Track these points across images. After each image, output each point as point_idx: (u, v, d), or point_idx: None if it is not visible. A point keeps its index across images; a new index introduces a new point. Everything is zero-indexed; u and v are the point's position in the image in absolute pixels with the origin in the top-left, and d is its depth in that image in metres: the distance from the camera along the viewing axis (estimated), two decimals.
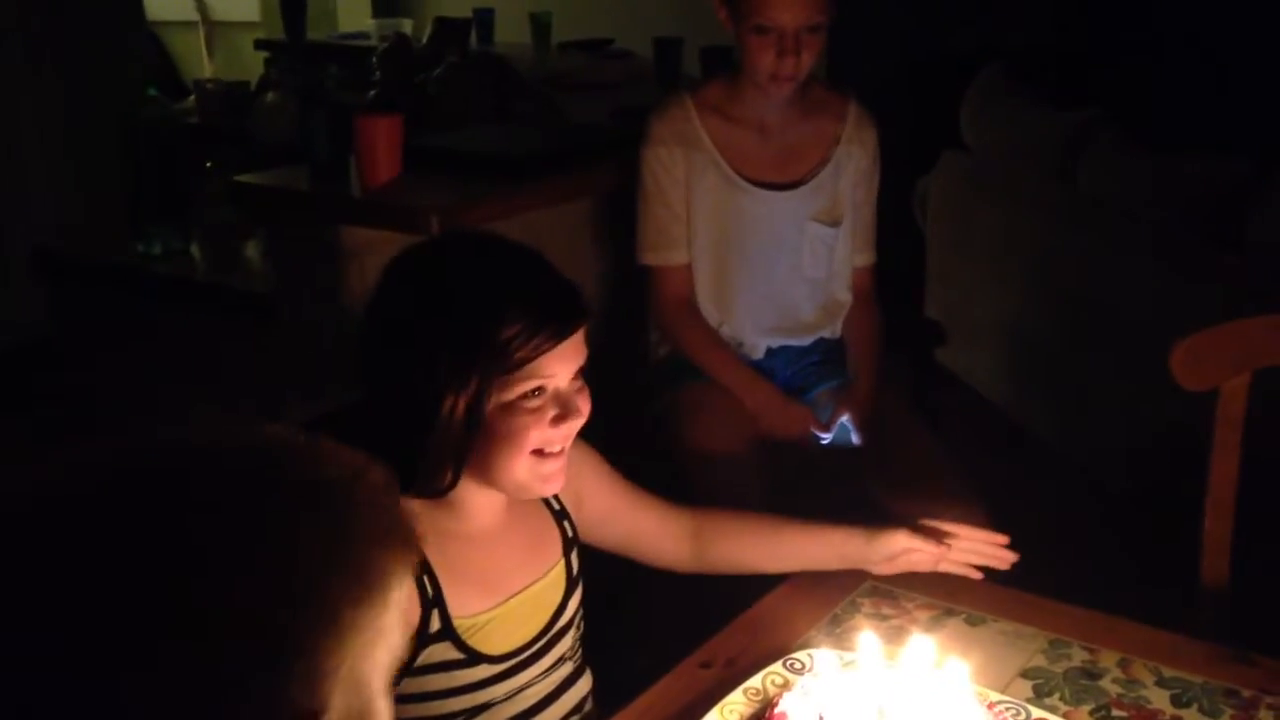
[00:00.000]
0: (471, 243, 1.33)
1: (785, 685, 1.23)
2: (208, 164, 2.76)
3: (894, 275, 2.90)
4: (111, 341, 2.57)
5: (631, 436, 2.12)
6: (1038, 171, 3.26)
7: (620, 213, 2.29)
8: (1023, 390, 3.23)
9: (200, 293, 2.55)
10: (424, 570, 1.26)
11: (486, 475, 1.28)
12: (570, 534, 1.42)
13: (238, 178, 2.27)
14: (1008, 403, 3.27)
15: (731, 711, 1.21)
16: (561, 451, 1.29)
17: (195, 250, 2.64)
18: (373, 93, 3.48)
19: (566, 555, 1.41)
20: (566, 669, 1.40)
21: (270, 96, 3.48)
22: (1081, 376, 2.98)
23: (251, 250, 2.61)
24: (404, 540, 0.72)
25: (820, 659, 1.24)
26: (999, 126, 3.50)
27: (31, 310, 2.70)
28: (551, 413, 1.26)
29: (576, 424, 1.28)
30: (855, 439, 2.09)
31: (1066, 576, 1.60)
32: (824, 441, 2.10)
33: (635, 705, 1.30)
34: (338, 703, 0.67)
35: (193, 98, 4.00)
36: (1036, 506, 2.41)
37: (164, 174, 2.93)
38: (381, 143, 2.11)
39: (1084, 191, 3.08)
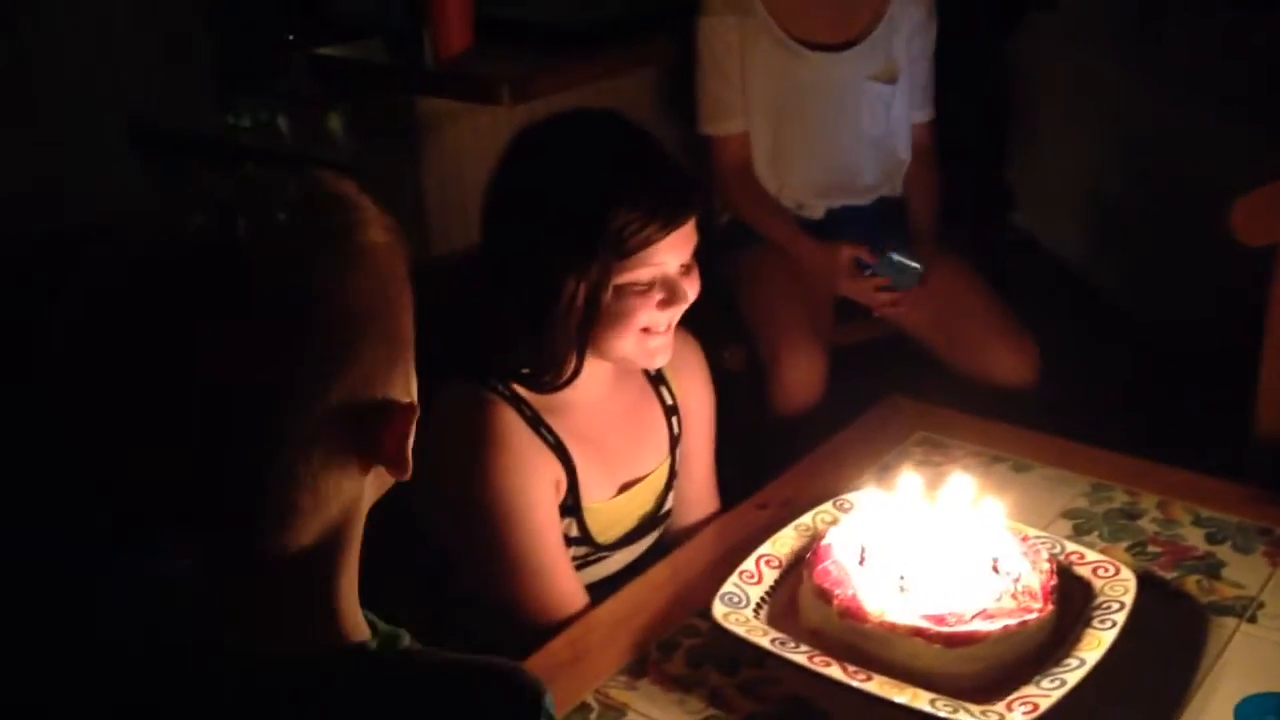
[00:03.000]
0: (589, 126, 1.36)
1: (833, 522, 1.31)
2: (289, 36, 2.82)
3: (974, 139, 2.89)
4: None
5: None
6: (1124, 33, 3.18)
7: (683, 81, 2.32)
8: (1097, 253, 3.21)
9: (288, 163, 2.64)
10: (560, 448, 1.35)
11: (594, 348, 1.34)
12: (677, 430, 1.48)
13: (317, 50, 2.34)
14: (1081, 265, 3.26)
15: (783, 544, 1.30)
16: (668, 328, 1.36)
17: (281, 122, 2.74)
18: None
19: (672, 452, 1.48)
20: (652, 543, 1.49)
21: None
22: (1155, 241, 2.96)
23: (334, 122, 2.70)
24: (405, 250, 0.79)
25: (865, 498, 1.32)
26: None
27: (130, 180, 2.82)
28: (659, 296, 1.32)
29: (683, 306, 1.34)
30: (913, 263, 2.10)
31: (1119, 432, 1.65)
32: (868, 271, 2.12)
33: (695, 541, 1.41)
34: (407, 391, 0.78)
35: None
36: (1099, 367, 2.44)
37: (249, 47, 3.01)
38: (453, 14, 2.16)
39: (1169, 53, 3.00)
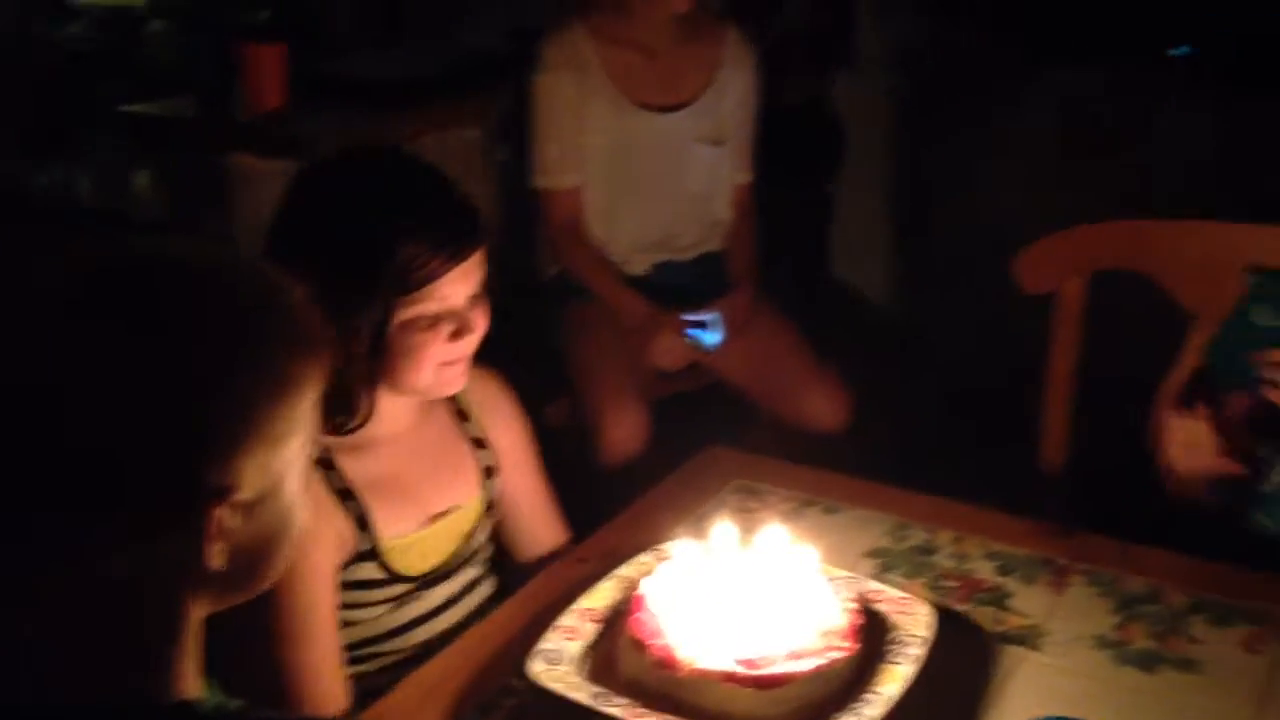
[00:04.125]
0: (369, 162, 1.37)
1: (649, 572, 1.34)
2: (97, 93, 2.74)
3: (793, 194, 3.03)
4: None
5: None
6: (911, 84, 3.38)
7: (512, 135, 2.36)
8: (907, 298, 3.38)
9: (93, 223, 2.56)
10: (348, 495, 1.35)
11: (390, 383, 1.35)
12: (487, 463, 1.49)
13: (125, 107, 2.29)
14: (894, 310, 3.42)
15: (602, 597, 1.32)
16: (461, 358, 1.37)
17: (85, 180, 2.65)
18: (264, 13, 3.45)
19: (485, 485, 1.49)
20: (473, 577, 1.51)
21: (156, 23, 3.44)
22: (957, 287, 3.14)
23: (143, 179, 2.62)
24: (315, 348, 0.83)
25: (680, 547, 1.36)
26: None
27: None
28: (448, 329, 1.33)
29: (474, 338, 1.36)
30: (715, 340, 2.19)
31: (923, 469, 1.74)
32: (690, 336, 2.20)
33: (517, 596, 1.42)
34: (248, 484, 0.78)
35: (79, 24, 3.91)
36: (908, 406, 2.57)
37: (53, 104, 2.91)
38: (267, 70, 2.15)
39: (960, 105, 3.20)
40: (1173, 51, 2.88)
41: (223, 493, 0.76)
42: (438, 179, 1.34)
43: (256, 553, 0.82)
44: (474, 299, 1.35)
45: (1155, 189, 2.68)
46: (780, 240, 2.55)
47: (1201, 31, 2.87)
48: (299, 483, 0.83)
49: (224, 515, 0.76)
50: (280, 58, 2.18)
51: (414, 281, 1.28)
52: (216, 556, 0.77)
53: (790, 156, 2.91)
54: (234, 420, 0.76)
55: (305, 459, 0.83)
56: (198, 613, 0.81)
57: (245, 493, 0.77)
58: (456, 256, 1.30)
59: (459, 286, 1.32)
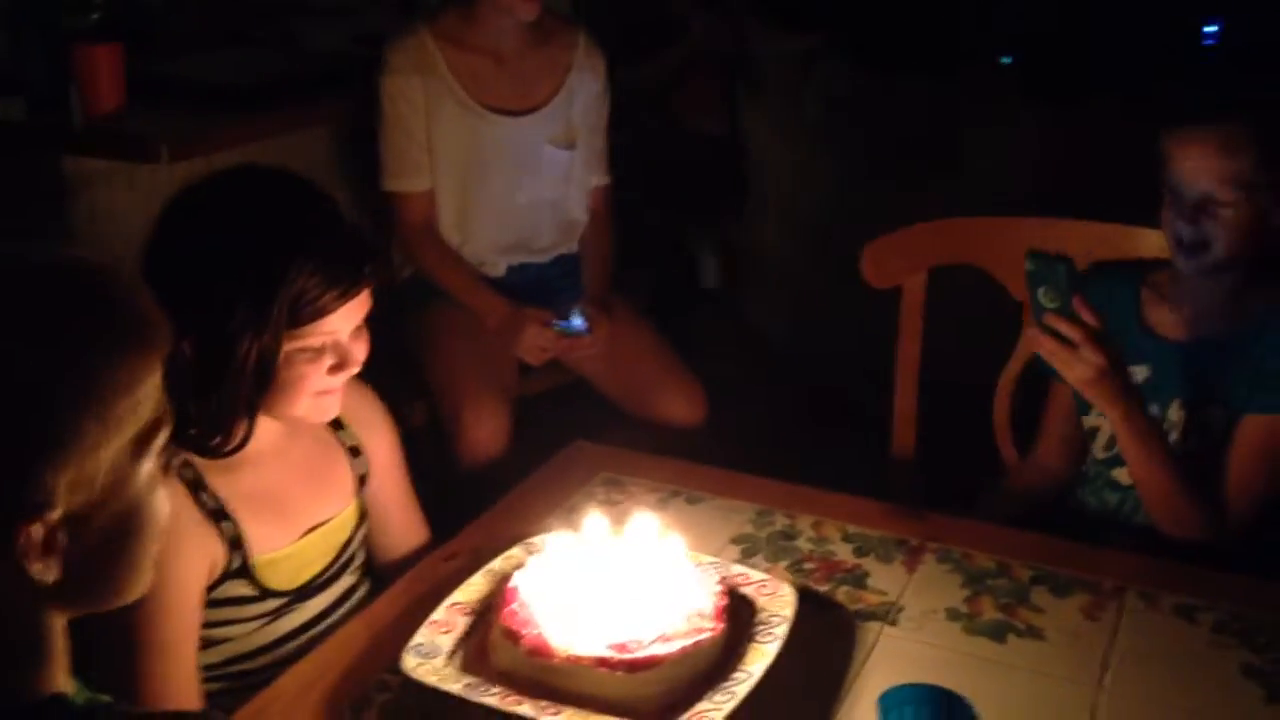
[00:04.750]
0: (264, 187, 1.33)
1: (520, 565, 1.35)
2: None
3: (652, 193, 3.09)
4: None
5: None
6: (775, 93, 3.46)
7: (361, 138, 2.33)
8: (760, 300, 3.46)
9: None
10: (221, 513, 1.31)
11: (265, 409, 1.32)
12: (361, 471, 1.48)
13: None
14: (749, 311, 3.50)
15: (473, 591, 1.32)
16: (338, 389, 1.36)
17: None
18: (95, 15, 3.32)
19: (359, 493, 1.48)
20: (349, 585, 1.49)
21: None
22: (808, 288, 3.23)
23: None
24: (141, 342, 0.78)
25: (551, 540, 1.37)
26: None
27: None
28: (329, 361, 1.32)
29: (353, 371, 1.35)
30: (582, 325, 2.21)
31: (779, 460, 1.80)
32: (557, 325, 2.21)
33: (388, 593, 1.41)
34: (67, 496, 0.74)
35: None
36: (760, 403, 2.64)
37: None
38: (103, 71, 2.07)
39: (812, 116, 3.30)
40: (1003, 60, 3.05)
41: (30, 510, 0.73)
42: (331, 208, 1.33)
43: (106, 560, 0.79)
44: (357, 330, 1.34)
45: (989, 190, 2.82)
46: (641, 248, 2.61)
47: (1023, 42, 3.04)
48: (145, 481, 0.80)
49: (40, 531, 0.73)
50: (116, 58, 2.10)
51: (304, 315, 1.26)
52: (45, 571, 0.74)
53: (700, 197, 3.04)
54: (32, 437, 0.73)
55: (147, 456, 0.79)
56: (56, 620, 0.78)
57: (63, 507, 0.74)
58: (349, 293, 1.29)
59: (347, 320, 1.31)
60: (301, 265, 1.25)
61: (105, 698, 0.79)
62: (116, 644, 1.22)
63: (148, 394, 0.78)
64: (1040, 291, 1.46)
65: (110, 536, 0.79)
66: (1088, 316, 1.44)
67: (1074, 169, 2.72)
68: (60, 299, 0.77)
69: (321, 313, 1.27)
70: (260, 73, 2.39)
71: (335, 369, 1.32)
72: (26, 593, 0.75)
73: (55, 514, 0.74)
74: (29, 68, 2.13)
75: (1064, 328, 1.44)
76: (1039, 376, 1.71)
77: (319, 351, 1.30)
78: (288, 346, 1.28)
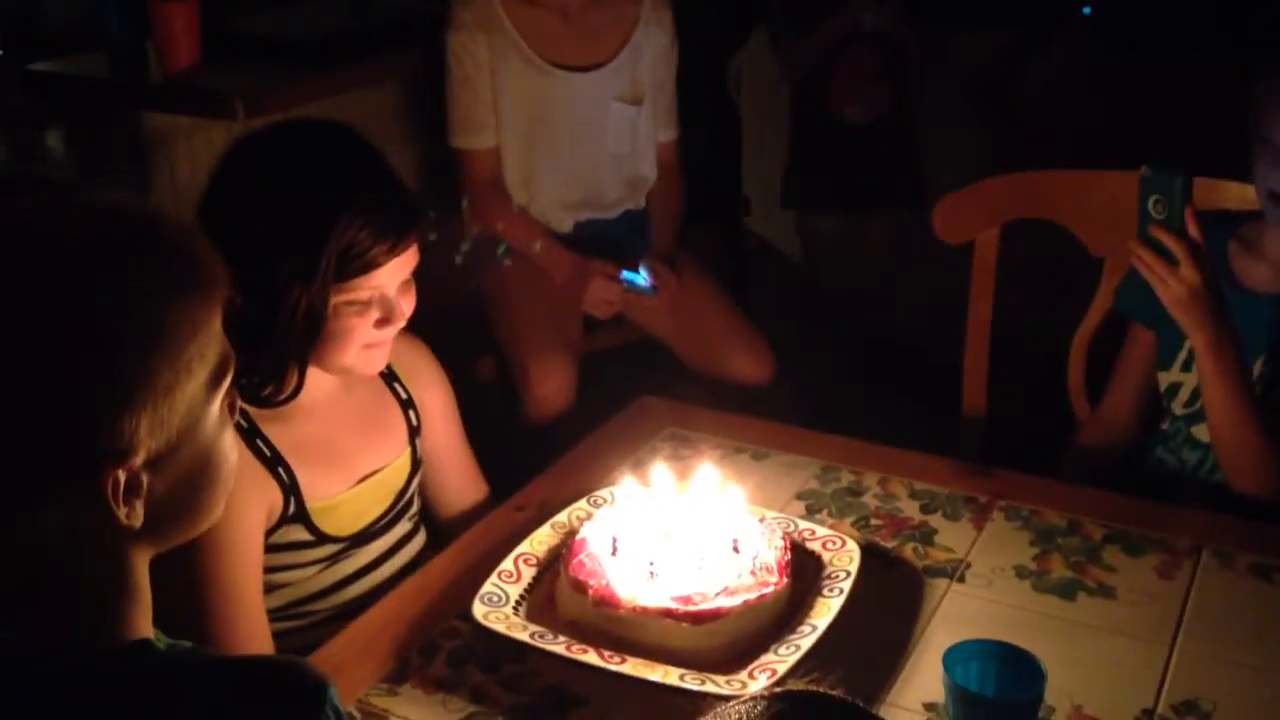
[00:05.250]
0: (316, 140, 1.35)
1: (588, 517, 1.37)
2: (2, 53, 2.65)
3: (709, 152, 3.03)
4: None
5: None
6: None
7: (430, 93, 2.34)
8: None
9: (2, 184, 2.48)
10: (277, 460, 1.35)
11: (314, 361, 1.35)
12: (415, 422, 1.50)
13: (31, 65, 2.22)
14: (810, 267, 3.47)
15: (540, 542, 1.34)
16: (385, 342, 1.38)
17: None
18: None
19: (412, 442, 1.50)
20: (404, 533, 1.51)
21: None
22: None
23: (53, 140, 2.55)
24: (202, 285, 0.80)
25: (618, 493, 1.39)
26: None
27: None
28: (376, 315, 1.33)
29: (399, 325, 1.37)
30: (648, 282, 2.21)
31: (845, 418, 1.79)
32: (623, 280, 2.22)
33: (457, 544, 1.43)
34: (148, 440, 0.77)
35: None
36: (827, 360, 2.62)
37: None
38: (179, 27, 2.10)
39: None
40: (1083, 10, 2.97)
41: (116, 456, 0.75)
42: (381, 163, 1.34)
43: (182, 500, 0.82)
44: (404, 284, 1.36)
45: (1064, 143, 2.75)
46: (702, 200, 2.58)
47: None
48: (216, 423, 0.82)
49: (127, 476, 0.76)
50: (191, 14, 2.13)
51: (353, 269, 1.28)
52: (132, 516, 0.77)
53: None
54: (112, 384, 0.75)
55: (215, 399, 0.82)
56: (140, 559, 0.81)
57: (145, 451, 0.77)
58: (397, 247, 1.30)
59: (394, 275, 1.33)
60: (350, 218, 1.27)
61: (185, 643, 0.81)
62: (185, 591, 1.26)
63: (212, 337, 0.80)
64: (1151, 201, 1.43)
65: (188, 477, 0.81)
66: (1194, 232, 1.41)
67: (1158, 121, 2.65)
68: (126, 245, 0.78)
69: (369, 266, 1.29)
70: (331, 28, 2.41)
71: (382, 323, 1.34)
72: (114, 537, 0.78)
73: (138, 459, 0.76)
74: (109, 23, 2.16)
75: (1168, 240, 1.42)
76: (1114, 328, 1.68)
77: (366, 305, 1.32)
78: (335, 299, 1.29)
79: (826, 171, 2.95)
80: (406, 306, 1.36)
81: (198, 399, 0.80)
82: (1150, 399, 1.70)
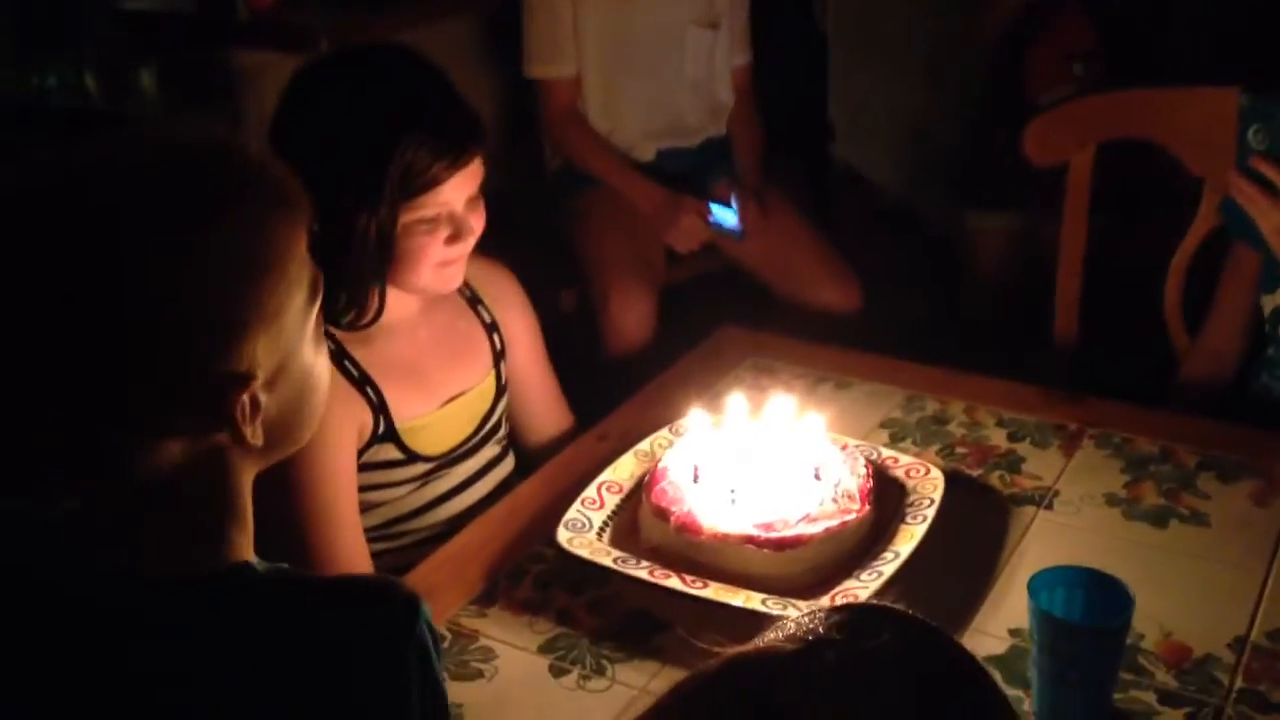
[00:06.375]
0: (370, 63, 1.36)
1: (669, 446, 1.38)
2: None
3: (795, 77, 2.97)
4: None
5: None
6: None
7: (507, 27, 2.33)
8: (916, 181, 3.36)
9: (98, 123, 2.55)
10: (365, 380, 1.38)
11: (391, 282, 1.37)
12: (499, 346, 1.52)
13: (124, 4, 2.26)
14: (903, 193, 3.40)
15: (622, 470, 1.35)
16: (459, 258, 1.39)
17: (89, 80, 2.62)
18: None
19: (496, 366, 1.52)
20: (492, 456, 1.54)
21: None
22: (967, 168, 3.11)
23: (146, 79, 2.60)
24: (292, 207, 0.82)
25: (697, 421, 1.39)
26: None
27: None
28: (446, 232, 1.35)
29: (470, 241, 1.38)
30: (735, 225, 2.20)
31: (937, 346, 1.76)
32: (712, 221, 2.21)
33: (540, 473, 1.45)
34: (264, 361, 0.79)
35: None
36: (918, 289, 2.58)
37: (52, 3, 2.87)
38: None
39: None
40: None
41: (241, 380, 0.78)
42: (441, 81, 1.35)
43: (290, 416, 0.84)
44: (472, 201, 1.36)
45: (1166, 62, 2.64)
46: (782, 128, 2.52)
47: None
48: (312, 341, 0.85)
49: (250, 399, 0.78)
50: None
51: (417, 186, 1.29)
52: (255, 436, 0.80)
53: None
54: (232, 312, 0.77)
55: (311, 317, 0.84)
56: (248, 480, 0.84)
57: (263, 372, 0.79)
58: (458, 162, 1.31)
59: (459, 191, 1.33)
60: (409, 136, 1.28)
61: (283, 565, 0.84)
62: (282, 513, 1.29)
63: (304, 258, 0.82)
64: (1251, 131, 1.38)
65: (295, 394, 0.83)
66: None
67: (1260, 38, 2.52)
68: (223, 172, 0.80)
69: (433, 183, 1.30)
70: None
71: (452, 240, 1.35)
72: (232, 459, 0.81)
73: (259, 380, 0.79)
74: None
75: (1270, 171, 1.37)
76: (1212, 254, 1.62)
77: (434, 222, 1.33)
78: (404, 218, 1.31)
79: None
80: (476, 223, 1.37)
81: (299, 318, 0.82)
82: (1255, 324, 1.64)
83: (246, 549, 0.83)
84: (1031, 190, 2.33)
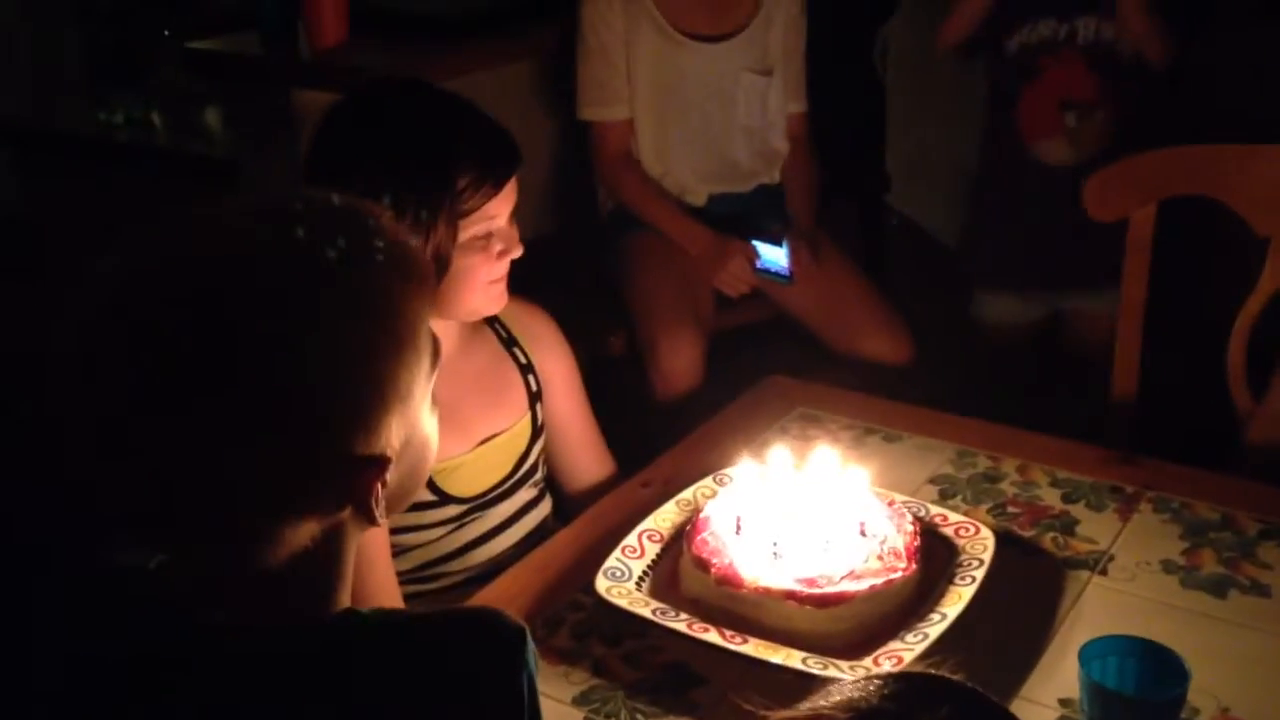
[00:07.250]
0: (406, 92, 1.40)
1: (712, 496, 1.36)
2: (164, 31, 2.77)
3: (853, 127, 2.96)
4: (76, 209, 2.63)
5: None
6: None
7: (563, 70, 2.35)
8: (968, 232, 3.32)
9: (163, 159, 2.60)
10: None
11: (443, 307, 1.37)
12: (535, 388, 1.53)
13: (191, 44, 2.31)
14: (957, 245, 3.37)
15: (664, 519, 1.34)
16: (505, 275, 1.42)
17: (155, 117, 2.68)
18: None
19: (533, 407, 1.52)
20: (529, 499, 1.53)
21: None
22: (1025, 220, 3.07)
23: (211, 116, 2.65)
24: (422, 277, 0.81)
25: (741, 471, 1.37)
26: None
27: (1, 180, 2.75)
28: (497, 248, 1.38)
29: (516, 253, 1.41)
30: (785, 269, 2.18)
31: (986, 401, 1.73)
32: (759, 264, 2.19)
33: (583, 518, 1.44)
34: (395, 441, 0.79)
35: None
36: (972, 341, 2.53)
37: (120, 41, 2.94)
38: (327, 5, 2.15)
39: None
40: None
41: (377, 464, 0.77)
42: (473, 108, 1.39)
43: (406, 483, 0.85)
44: (512, 217, 1.40)
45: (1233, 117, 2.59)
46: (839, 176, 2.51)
47: None
48: (429, 410, 0.84)
49: (383, 482, 0.78)
50: None
51: (470, 206, 1.33)
52: (382, 515, 0.80)
53: None
54: (373, 393, 0.76)
55: (430, 387, 0.83)
56: (355, 543, 0.83)
57: (393, 451, 0.79)
58: (503, 181, 1.36)
59: (503, 206, 1.38)
60: (463, 156, 1.33)
61: (379, 608, 0.84)
62: None
63: (430, 327, 0.82)
64: None
65: (413, 464, 0.83)
66: None
67: None
68: (371, 251, 0.77)
69: (485, 199, 1.34)
70: (470, 3, 2.44)
71: (502, 254, 1.39)
72: (352, 528, 0.81)
73: (392, 460, 0.78)
74: (263, 2, 2.23)
75: None
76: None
77: (488, 238, 1.37)
78: (460, 238, 1.34)
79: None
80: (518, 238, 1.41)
81: (424, 391, 0.82)
82: None
83: (346, 600, 0.83)
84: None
